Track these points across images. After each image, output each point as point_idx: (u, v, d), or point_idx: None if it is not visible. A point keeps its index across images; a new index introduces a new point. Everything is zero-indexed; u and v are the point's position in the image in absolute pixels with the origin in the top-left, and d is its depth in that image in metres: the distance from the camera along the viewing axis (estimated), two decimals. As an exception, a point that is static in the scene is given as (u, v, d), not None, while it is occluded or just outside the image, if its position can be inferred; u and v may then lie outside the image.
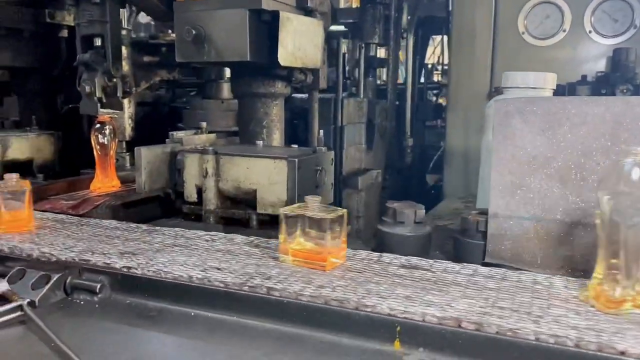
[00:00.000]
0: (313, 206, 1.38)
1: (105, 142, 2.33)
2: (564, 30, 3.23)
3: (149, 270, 1.30)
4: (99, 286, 1.30)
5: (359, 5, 7.91)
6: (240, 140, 2.59)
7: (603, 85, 3.00)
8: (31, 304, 1.22)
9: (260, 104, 2.48)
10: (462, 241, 1.59)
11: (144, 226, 1.71)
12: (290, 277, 1.27)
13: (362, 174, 3.09)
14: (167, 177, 2.20)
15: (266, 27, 2.14)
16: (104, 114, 2.28)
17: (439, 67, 7.07)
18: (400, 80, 4.41)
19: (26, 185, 1.66)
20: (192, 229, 1.70)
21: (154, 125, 3.25)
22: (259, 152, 2.04)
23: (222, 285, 1.24)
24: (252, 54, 2.09)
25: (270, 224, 2.04)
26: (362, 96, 3.35)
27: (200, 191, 2.05)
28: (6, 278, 1.30)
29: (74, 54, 2.40)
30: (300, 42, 2.20)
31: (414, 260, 1.41)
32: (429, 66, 5.29)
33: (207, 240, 1.57)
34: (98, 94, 2.25)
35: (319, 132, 2.40)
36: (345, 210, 1.40)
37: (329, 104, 2.98)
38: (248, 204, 2.03)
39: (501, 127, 1.49)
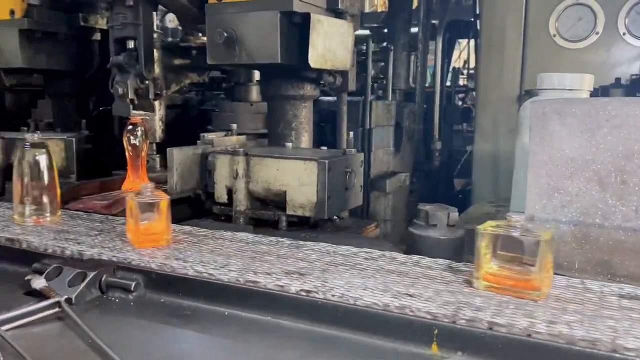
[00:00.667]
0: (517, 225, 1.24)
1: (137, 143, 2.35)
2: (597, 33, 3.17)
3: (333, 295, 1.17)
4: (133, 284, 1.31)
5: (384, 10, 7.92)
6: (269, 142, 2.60)
7: (638, 88, 2.93)
8: (68, 300, 1.23)
9: (289, 106, 2.48)
10: (496, 245, 1.57)
11: (287, 240, 1.59)
12: (505, 309, 1.11)
13: (390, 176, 3.07)
14: (197, 178, 2.22)
15: (297, 29, 2.14)
16: (136, 115, 2.31)
17: (465, 71, 7.03)
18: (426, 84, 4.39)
19: (162, 195, 1.55)
20: (222, 230, 1.71)
21: (183, 127, 3.27)
22: (288, 154, 2.04)
23: (380, 307, 1.16)
24: (283, 56, 2.10)
25: (299, 226, 2.04)
26: (390, 99, 3.33)
27: (230, 192, 2.06)
28: (44, 275, 1.32)
29: (106, 57, 2.44)
30: (330, 44, 2.19)
31: (627, 289, 1.27)
32: (455, 70, 5.24)
33: (366, 259, 1.43)
34: (130, 95, 2.28)
35: (348, 134, 2.39)
36: (552, 232, 1.26)
37: (357, 106, 2.97)
38: (277, 206, 2.04)
39: (538, 129, 1.46)
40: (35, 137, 1.78)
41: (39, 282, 1.28)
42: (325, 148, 2.33)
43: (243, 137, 2.47)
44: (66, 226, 1.73)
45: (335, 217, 2.17)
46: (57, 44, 2.88)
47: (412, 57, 3.93)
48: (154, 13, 2.49)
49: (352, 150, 2.10)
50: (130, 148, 2.39)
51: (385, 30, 5.16)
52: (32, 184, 1.74)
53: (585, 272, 1.42)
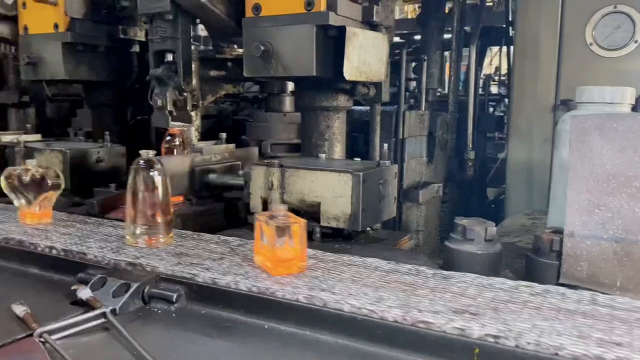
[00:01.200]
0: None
1: (176, 154, 2.41)
2: (636, 41, 3.11)
3: (528, 343, 1.04)
4: (175, 296, 1.34)
5: (414, 17, 7.89)
6: (302, 152, 2.62)
7: (680, 99, 2.86)
8: (113, 311, 1.27)
9: (323, 117, 2.50)
10: (535, 260, 1.55)
11: (428, 269, 1.47)
12: None
13: (423, 187, 3.06)
14: (187, 184, 2.26)
15: (332, 42, 2.17)
16: (175, 126, 2.36)
17: (496, 78, 6.95)
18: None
19: (298, 219, 1.45)
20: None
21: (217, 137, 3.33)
22: (323, 166, 2.06)
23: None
24: (318, 69, 2.12)
25: (332, 237, 2.05)
26: (423, 108, 3.33)
27: (265, 203, 2.08)
28: (89, 285, 1.37)
29: (144, 68, 2.50)
30: (365, 56, 2.21)
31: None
32: (487, 77, 5.19)
33: (532, 294, 1.28)
34: (169, 107, 2.33)
35: (382, 146, 2.39)
36: None
37: (390, 116, 2.97)
38: (311, 217, 2.05)
39: (578, 144, 1.45)
40: (150, 154, 1.68)
41: (85, 293, 1.32)
42: (359, 159, 2.34)
43: (232, 146, 2.50)
44: (182, 248, 1.64)
45: (368, 229, 2.17)
46: (98, 55, 2.98)
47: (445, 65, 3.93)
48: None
49: (387, 162, 2.10)
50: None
51: (417, 37, 5.16)
52: (146, 202, 1.66)
53: (628, 290, 1.39)
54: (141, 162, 1.67)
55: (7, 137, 2.87)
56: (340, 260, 1.55)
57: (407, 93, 3.79)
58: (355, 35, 2.14)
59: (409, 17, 9.56)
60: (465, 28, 4.16)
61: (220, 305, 1.32)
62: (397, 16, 10.16)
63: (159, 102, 2.34)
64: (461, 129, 3.87)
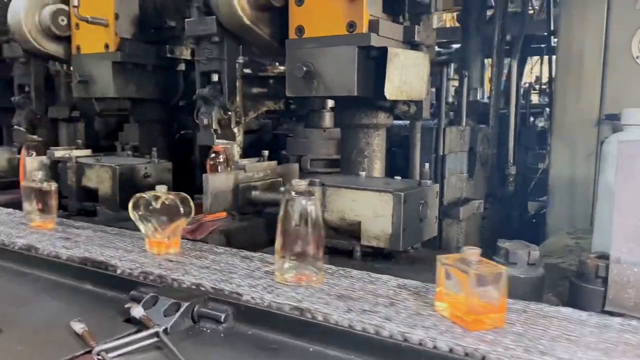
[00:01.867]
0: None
1: (220, 170, 2.48)
2: (684, 56, 3.03)
3: None
4: (223, 316, 1.39)
5: (452, 25, 7.82)
6: (341, 169, 2.65)
7: None
8: (165, 330, 1.32)
9: (363, 134, 2.53)
10: (579, 286, 1.53)
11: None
12: None
13: (463, 204, 3.05)
14: (230, 200, 2.29)
15: (373, 62, 2.20)
16: (219, 144, 2.43)
17: (537, 87, 6.82)
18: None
19: (499, 268, 1.29)
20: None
21: (258, 153, 3.39)
22: (363, 184, 2.08)
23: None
24: (359, 89, 2.16)
25: (373, 256, 2.07)
26: (464, 124, 3.32)
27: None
28: (141, 304, 1.43)
29: (189, 85, 2.59)
30: (406, 75, 2.23)
31: None
32: (528, 88, 5.07)
33: None
34: (214, 126, 2.41)
35: (423, 165, 2.40)
36: None
37: (430, 132, 2.97)
38: (352, 235, 2.08)
39: (625, 170, 1.43)
40: (302, 184, 1.56)
41: (138, 311, 1.38)
42: (399, 178, 2.36)
43: (274, 163, 2.54)
44: (339, 288, 1.52)
45: (410, 248, 2.18)
46: (145, 74, 3.09)
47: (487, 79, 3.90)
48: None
49: (428, 181, 2.11)
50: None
51: (454, 46, 5.12)
52: (297, 236, 1.53)
53: (676, 319, 1.37)
54: (295, 194, 1.54)
55: (60, 152, 3.00)
56: (530, 309, 1.40)
57: (447, 105, 3.77)
58: (397, 55, 2.16)
59: (448, 25, 9.52)
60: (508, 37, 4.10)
61: (266, 326, 1.36)
62: (435, 25, 10.13)
63: (205, 121, 2.43)
64: (502, 144, 3.83)
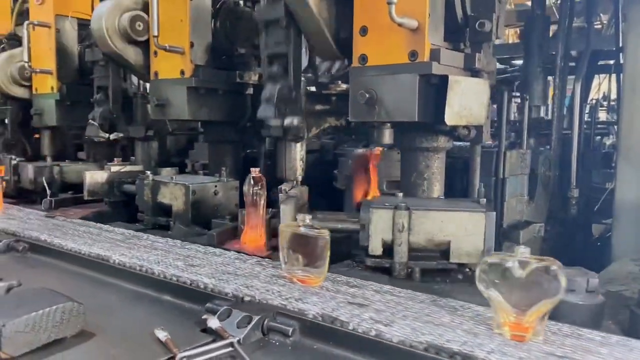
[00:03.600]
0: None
1: (257, 198, 2.54)
2: None
3: None
4: (291, 330, 1.50)
5: (515, 41, 7.70)
6: (401, 190, 2.72)
7: None
8: (238, 341, 1.45)
9: (423, 157, 2.60)
10: (639, 316, 1.55)
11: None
12: None
13: (523, 227, 3.04)
14: None
15: (434, 89, 2.28)
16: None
17: (605, 104, 6.61)
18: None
19: None
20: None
21: (320, 172, 3.52)
22: (442, 206, 2.18)
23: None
24: (420, 115, 2.24)
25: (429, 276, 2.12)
26: (525, 147, 3.31)
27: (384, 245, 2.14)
28: (216, 315, 1.56)
29: (256, 109, 2.74)
30: (466, 101, 2.29)
31: None
32: (594, 106, 4.87)
33: None
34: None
35: (480, 185, 2.45)
36: None
37: (490, 155, 2.99)
38: (442, 255, 2.14)
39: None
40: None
41: (214, 322, 1.51)
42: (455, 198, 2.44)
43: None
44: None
45: (467, 269, 2.23)
46: (217, 98, 3.29)
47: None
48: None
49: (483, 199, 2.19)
50: (250, 201, 2.58)
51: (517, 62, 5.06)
52: None
53: None
54: None
55: (115, 167, 3.44)
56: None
57: (508, 125, 3.74)
58: (457, 82, 2.23)
59: (510, 41, 9.38)
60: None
61: (330, 342, 1.46)
62: (496, 41, 9.99)
63: (267, 94, 2.57)
64: (564, 165, 3.78)
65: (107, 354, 1.43)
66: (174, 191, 2.95)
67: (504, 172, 2.96)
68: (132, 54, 3.49)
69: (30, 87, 4.35)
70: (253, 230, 2.54)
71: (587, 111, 4.44)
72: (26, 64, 4.00)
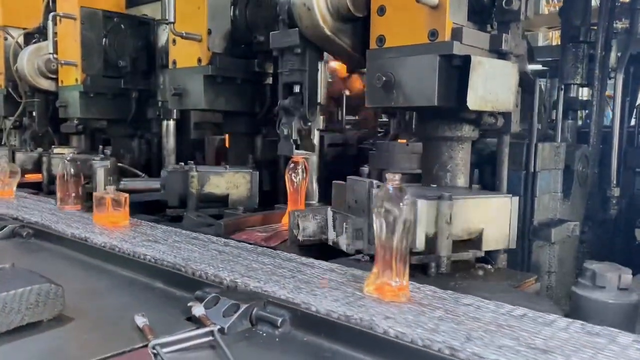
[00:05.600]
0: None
1: (297, 181, 2.49)
2: None
3: None
4: (280, 320, 1.37)
5: (559, 43, 7.42)
6: (422, 183, 2.56)
7: None
8: (221, 330, 1.33)
9: (445, 147, 2.43)
10: (679, 317, 1.35)
11: None
12: None
13: (556, 225, 2.82)
14: None
15: (456, 72, 2.11)
16: (298, 154, 2.44)
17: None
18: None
19: None
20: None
21: (343, 165, 3.40)
22: (470, 194, 2.10)
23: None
24: (440, 99, 2.08)
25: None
26: (559, 140, 3.09)
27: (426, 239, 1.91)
28: (203, 303, 1.44)
29: (275, 99, 2.64)
30: (491, 85, 2.12)
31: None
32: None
33: None
34: (294, 136, 2.43)
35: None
36: None
37: (521, 148, 2.79)
38: (474, 245, 2.00)
39: None
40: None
41: (198, 310, 1.40)
42: (478, 186, 2.31)
43: None
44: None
45: (489, 266, 2.06)
46: (235, 87, 3.20)
47: (587, 94, 3.63)
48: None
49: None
50: (290, 184, 2.54)
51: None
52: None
53: None
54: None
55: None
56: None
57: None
58: (481, 63, 2.06)
59: (554, 43, 9.04)
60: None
61: (321, 334, 1.32)
62: (540, 43, 9.67)
63: (285, 132, 2.45)
64: (605, 163, 3.53)
65: (80, 339, 1.33)
66: (232, 180, 2.97)
67: (535, 165, 2.76)
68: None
69: (56, 80, 4.38)
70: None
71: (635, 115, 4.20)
72: (52, 56, 4.02)
